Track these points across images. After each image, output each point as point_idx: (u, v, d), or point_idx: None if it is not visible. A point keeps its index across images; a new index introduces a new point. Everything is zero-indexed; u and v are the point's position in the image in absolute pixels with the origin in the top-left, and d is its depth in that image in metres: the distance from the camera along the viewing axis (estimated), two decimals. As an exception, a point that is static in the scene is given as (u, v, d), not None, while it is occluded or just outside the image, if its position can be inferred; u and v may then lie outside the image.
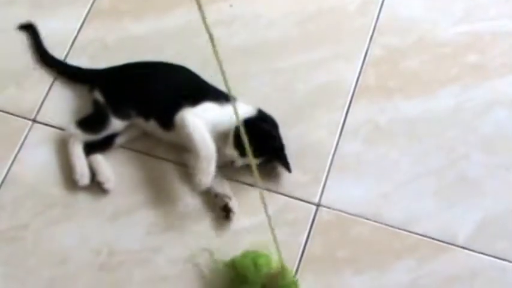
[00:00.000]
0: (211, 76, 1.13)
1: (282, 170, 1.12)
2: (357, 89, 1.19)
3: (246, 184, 1.12)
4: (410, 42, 1.23)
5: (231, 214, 1.08)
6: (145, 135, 1.15)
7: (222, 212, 1.09)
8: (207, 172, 1.05)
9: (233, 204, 1.09)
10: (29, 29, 1.23)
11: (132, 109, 1.11)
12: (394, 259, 1.06)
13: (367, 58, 1.21)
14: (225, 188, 1.10)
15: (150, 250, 1.07)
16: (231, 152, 1.07)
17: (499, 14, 1.26)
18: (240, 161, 1.08)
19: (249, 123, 1.08)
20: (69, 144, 1.13)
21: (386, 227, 1.08)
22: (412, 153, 1.14)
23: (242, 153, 1.07)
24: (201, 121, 1.07)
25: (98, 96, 1.13)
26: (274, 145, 1.09)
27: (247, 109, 1.11)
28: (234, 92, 1.12)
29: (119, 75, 1.15)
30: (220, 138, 1.09)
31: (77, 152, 1.12)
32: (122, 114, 1.11)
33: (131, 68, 1.15)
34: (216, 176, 1.08)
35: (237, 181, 1.12)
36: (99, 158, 1.12)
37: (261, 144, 1.07)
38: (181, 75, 1.15)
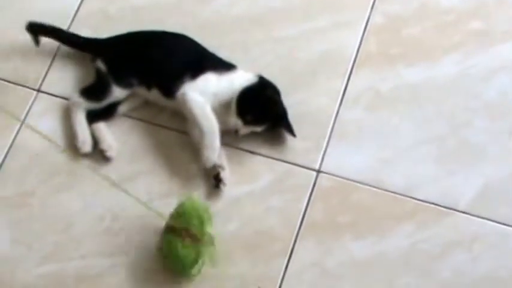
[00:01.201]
0: (211, 45, 1.11)
1: (282, 137, 1.09)
2: (358, 57, 1.15)
3: (247, 151, 1.09)
4: (413, 9, 1.18)
5: (221, 184, 1.06)
6: (148, 103, 1.12)
7: (214, 181, 1.07)
8: (213, 148, 1.04)
9: (225, 175, 1.06)
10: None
11: (134, 78, 1.08)
12: (394, 224, 1.03)
13: (368, 26, 1.17)
14: (220, 157, 1.07)
15: (151, 216, 1.05)
16: (235, 120, 1.05)
17: (503, -21, 1.21)
18: (244, 129, 1.06)
19: (251, 90, 1.06)
20: (72, 113, 1.11)
21: (387, 192, 1.05)
22: (413, 119, 1.10)
23: (246, 121, 1.05)
24: (202, 97, 1.05)
25: (100, 65, 1.10)
26: (277, 111, 1.06)
27: (248, 76, 1.08)
28: (235, 61, 1.12)
29: (121, 44, 1.12)
30: (223, 107, 1.06)
31: (80, 120, 1.10)
32: (123, 83, 1.08)
33: (133, 37, 1.12)
34: None
35: (238, 148, 1.09)
36: (101, 126, 1.10)
37: (264, 110, 1.05)
38: (182, 44, 1.12)
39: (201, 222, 0.98)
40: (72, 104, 1.11)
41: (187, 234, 0.97)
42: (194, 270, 0.98)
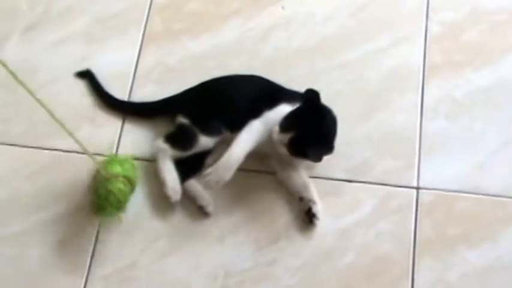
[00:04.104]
0: (279, 81, 1.04)
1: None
2: (426, 68, 1.11)
3: (343, 180, 1.03)
4: (465, 14, 1.15)
5: (315, 219, 1.00)
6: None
7: (306, 217, 1.00)
8: (218, 175, 0.94)
9: (316, 208, 1.00)
10: (86, 75, 1.11)
11: (220, 125, 1.00)
12: (503, 227, 0.99)
13: (428, 36, 1.13)
14: (310, 191, 1.01)
15: (265, 264, 0.98)
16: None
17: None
18: (278, 137, 0.95)
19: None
20: (159, 159, 1.01)
21: (488, 197, 1.01)
22: (493, 121, 1.07)
23: (281, 128, 0.94)
24: (268, 126, 0.97)
25: (183, 119, 1.02)
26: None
27: None
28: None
29: (198, 96, 1.04)
30: None
31: (168, 166, 1.00)
32: (211, 131, 1.00)
33: (208, 86, 1.05)
34: (300, 179, 1.01)
35: (333, 179, 1.03)
36: (193, 183, 1.02)
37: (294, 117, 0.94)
38: (256, 84, 1.05)
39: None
40: (158, 150, 1.02)
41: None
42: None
